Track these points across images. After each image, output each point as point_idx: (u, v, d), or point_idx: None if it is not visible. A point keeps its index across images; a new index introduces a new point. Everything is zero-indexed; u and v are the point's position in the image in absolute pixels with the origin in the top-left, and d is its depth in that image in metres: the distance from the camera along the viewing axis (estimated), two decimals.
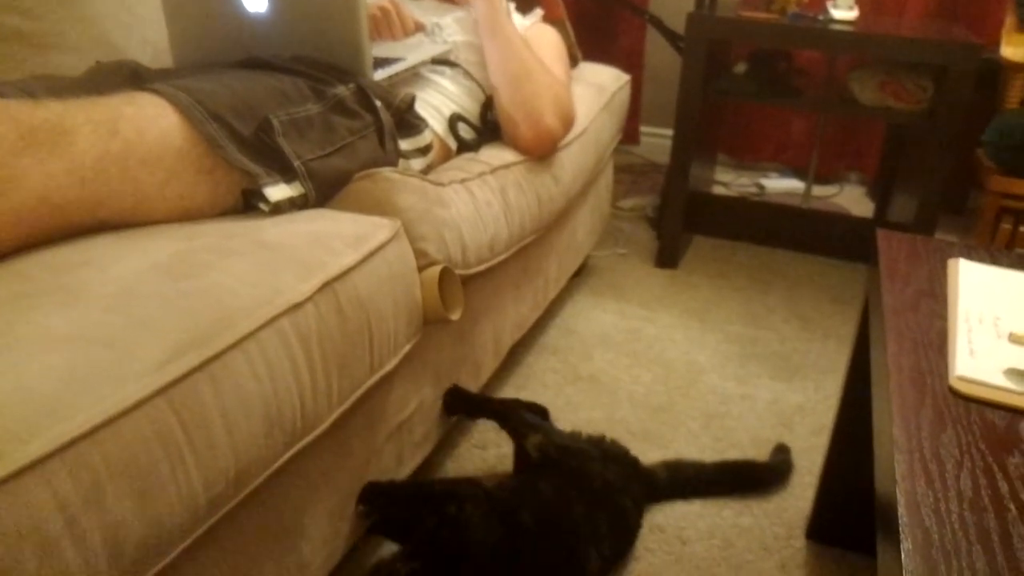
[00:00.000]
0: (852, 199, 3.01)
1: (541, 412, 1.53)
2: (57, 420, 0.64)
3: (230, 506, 0.82)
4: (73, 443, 0.64)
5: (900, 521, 0.61)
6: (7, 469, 0.60)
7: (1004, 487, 0.66)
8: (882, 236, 1.15)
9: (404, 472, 1.29)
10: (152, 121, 0.97)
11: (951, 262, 1.07)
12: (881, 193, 2.67)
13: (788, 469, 1.53)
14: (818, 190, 2.96)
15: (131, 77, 1.19)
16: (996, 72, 2.35)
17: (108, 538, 0.67)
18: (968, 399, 0.77)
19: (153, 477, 0.71)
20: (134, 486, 0.69)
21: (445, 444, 1.52)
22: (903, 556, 0.57)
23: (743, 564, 1.31)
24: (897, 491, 0.64)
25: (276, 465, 0.89)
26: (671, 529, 1.38)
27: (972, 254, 1.10)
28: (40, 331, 0.73)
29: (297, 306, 0.90)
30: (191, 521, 0.77)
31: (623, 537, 1.30)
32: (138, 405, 0.70)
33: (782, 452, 1.55)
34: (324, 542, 1.08)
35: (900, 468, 0.67)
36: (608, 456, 1.36)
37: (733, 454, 1.57)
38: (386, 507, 1.20)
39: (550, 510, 1.22)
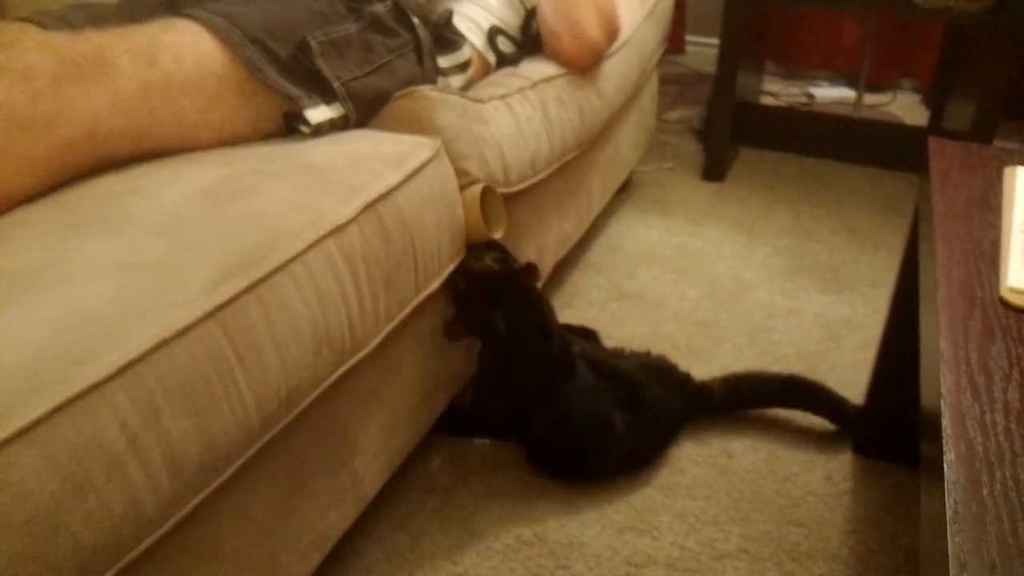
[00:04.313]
0: (905, 107, 2.90)
1: (589, 334, 1.54)
2: (113, 345, 0.67)
3: (283, 424, 0.85)
4: (129, 366, 0.67)
5: (944, 433, 0.60)
6: (71, 391, 0.63)
7: None
8: (934, 144, 1.12)
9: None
10: (190, 48, 0.97)
11: (1008, 171, 1.03)
12: (936, 100, 2.57)
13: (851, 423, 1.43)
14: (870, 98, 2.87)
15: (167, 3, 1.19)
16: None
17: (168, 455, 0.70)
18: (1020, 311, 0.76)
19: (207, 397, 0.74)
20: (189, 407, 0.72)
21: None
22: (946, 467, 0.57)
23: (789, 477, 1.33)
24: (942, 403, 0.64)
25: (326, 384, 0.91)
26: (717, 442, 1.39)
27: None
28: (93, 258, 0.75)
29: (341, 228, 0.91)
30: (246, 439, 0.79)
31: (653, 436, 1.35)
32: (189, 328, 0.72)
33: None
34: (376, 457, 1.11)
35: (946, 380, 0.66)
36: (648, 367, 1.38)
37: (779, 368, 1.56)
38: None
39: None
